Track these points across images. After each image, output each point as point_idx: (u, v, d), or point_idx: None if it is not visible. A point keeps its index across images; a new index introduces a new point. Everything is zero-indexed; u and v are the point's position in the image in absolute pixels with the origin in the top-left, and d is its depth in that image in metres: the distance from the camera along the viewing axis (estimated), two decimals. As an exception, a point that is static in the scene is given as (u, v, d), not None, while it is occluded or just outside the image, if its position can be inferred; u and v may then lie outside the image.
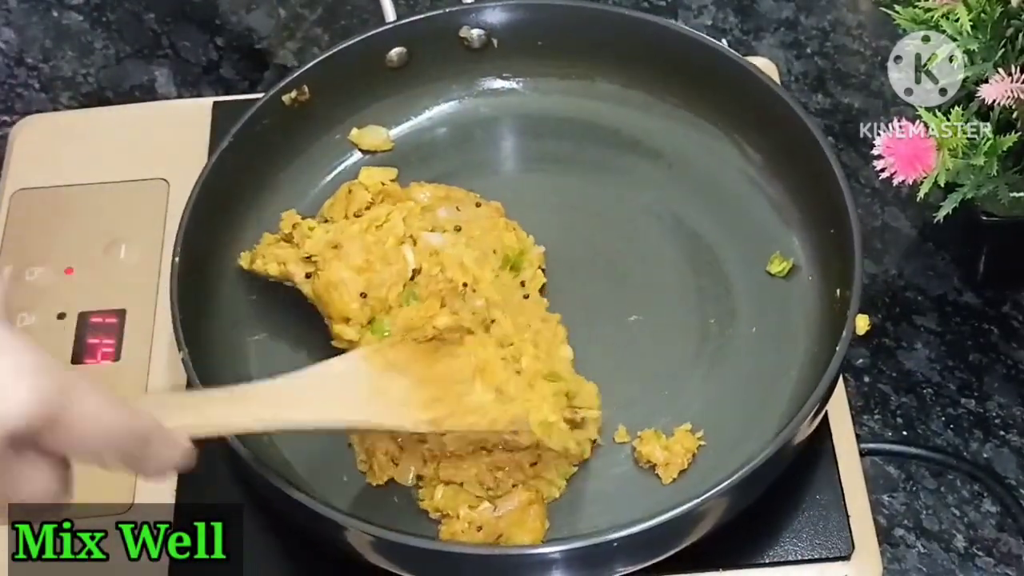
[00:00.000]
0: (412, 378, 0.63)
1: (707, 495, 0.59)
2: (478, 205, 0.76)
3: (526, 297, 0.73)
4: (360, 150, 0.82)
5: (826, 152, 0.71)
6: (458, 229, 0.74)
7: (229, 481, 0.69)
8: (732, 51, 0.78)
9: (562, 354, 0.71)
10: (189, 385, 0.65)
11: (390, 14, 0.92)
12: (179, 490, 0.69)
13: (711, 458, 0.68)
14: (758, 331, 0.73)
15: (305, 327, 0.72)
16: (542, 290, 0.74)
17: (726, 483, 0.60)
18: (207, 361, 0.67)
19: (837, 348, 0.64)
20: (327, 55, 0.79)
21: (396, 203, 0.75)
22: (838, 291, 0.69)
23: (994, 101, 0.69)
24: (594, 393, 0.70)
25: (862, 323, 0.67)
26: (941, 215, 0.73)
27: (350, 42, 0.80)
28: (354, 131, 0.82)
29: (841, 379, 0.72)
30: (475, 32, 0.81)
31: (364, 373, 0.62)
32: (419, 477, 0.68)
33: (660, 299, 0.74)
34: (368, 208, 0.76)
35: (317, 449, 0.69)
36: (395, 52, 0.81)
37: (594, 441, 0.69)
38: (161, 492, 0.69)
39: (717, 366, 0.72)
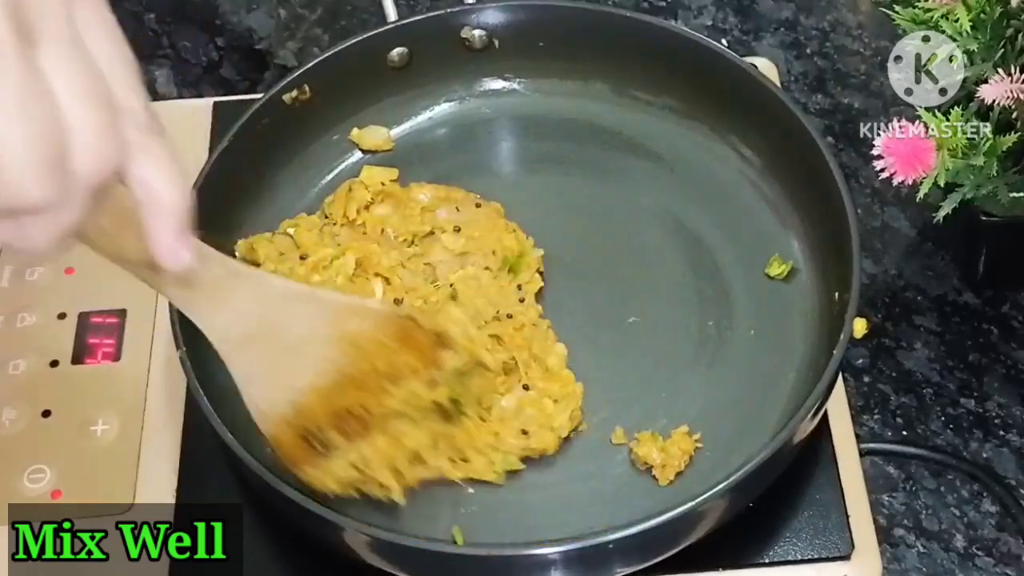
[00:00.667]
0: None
1: (703, 497, 0.59)
2: (478, 206, 0.76)
3: (522, 301, 0.72)
4: (361, 150, 0.82)
5: (824, 154, 0.71)
6: (457, 230, 0.74)
7: (229, 481, 0.69)
8: (731, 52, 0.78)
9: (557, 351, 0.71)
10: (188, 386, 0.65)
11: (391, 14, 0.92)
12: (179, 490, 0.69)
13: (709, 460, 0.68)
14: (756, 333, 0.73)
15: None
16: (539, 293, 0.74)
17: (722, 485, 0.60)
18: (205, 360, 0.67)
19: (835, 352, 0.64)
20: (328, 54, 0.79)
21: (396, 203, 0.76)
22: (836, 294, 0.69)
23: (994, 101, 0.69)
24: (579, 394, 0.69)
25: (860, 327, 0.67)
26: (941, 215, 0.73)
27: (351, 42, 0.79)
28: (355, 131, 0.82)
29: (841, 379, 0.72)
30: (476, 32, 0.81)
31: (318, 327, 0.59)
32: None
33: (659, 301, 0.74)
34: (368, 207, 0.76)
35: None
36: (396, 52, 0.81)
37: (575, 428, 0.69)
38: (161, 492, 0.69)
39: (715, 368, 0.72)
